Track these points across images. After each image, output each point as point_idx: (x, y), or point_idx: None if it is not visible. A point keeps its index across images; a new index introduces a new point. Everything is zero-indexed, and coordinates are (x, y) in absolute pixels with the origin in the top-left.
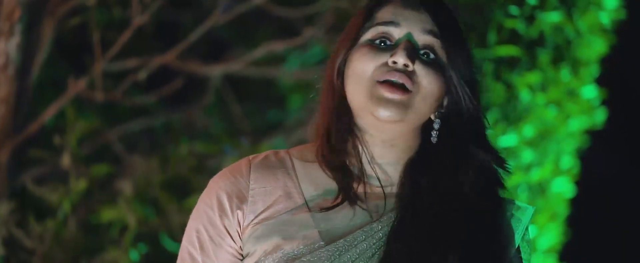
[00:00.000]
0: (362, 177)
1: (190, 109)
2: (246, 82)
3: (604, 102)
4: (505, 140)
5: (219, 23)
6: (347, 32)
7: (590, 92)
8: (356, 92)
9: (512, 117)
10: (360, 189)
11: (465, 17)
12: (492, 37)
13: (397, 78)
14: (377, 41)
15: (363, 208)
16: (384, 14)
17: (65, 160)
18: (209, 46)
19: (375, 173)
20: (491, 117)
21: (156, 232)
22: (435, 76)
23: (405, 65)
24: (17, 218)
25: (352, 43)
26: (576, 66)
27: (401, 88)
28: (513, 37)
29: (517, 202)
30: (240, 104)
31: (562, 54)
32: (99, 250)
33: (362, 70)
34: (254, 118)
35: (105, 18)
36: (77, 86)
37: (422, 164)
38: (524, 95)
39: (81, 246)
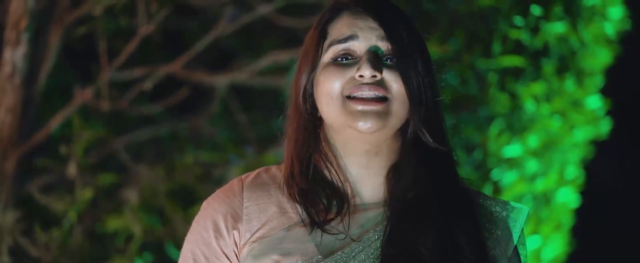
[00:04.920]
0: (348, 192)
1: (196, 118)
2: (252, 92)
3: (609, 113)
4: (510, 150)
5: (224, 33)
6: (306, 53)
7: (594, 102)
8: (331, 112)
9: (517, 127)
10: (348, 204)
11: (470, 27)
12: (496, 47)
13: (367, 92)
14: (340, 58)
15: (352, 225)
16: (339, 29)
17: (72, 169)
18: (214, 56)
19: (361, 188)
20: (496, 127)
21: (162, 241)
22: (402, 78)
23: (373, 76)
24: (23, 227)
25: (314, 64)
26: (581, 76)
27: (378, 100)
28: (518, 48)
29: (511, 203)
30: (245, 113)
31: (567, 64)
32: (105, 259)
33: (331, 88)
34: (260, 127)
35: (111, 27)
36: (83, 95)
37: (405, 168)
38: (529, 105)
39: (87, 255)
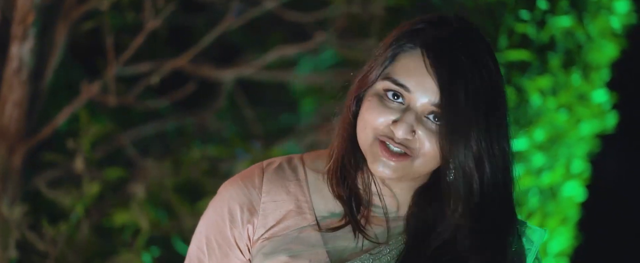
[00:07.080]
0: (369, 202)
1: (202, 113)
2: (258, 86)
3: (615, 106)
4: (516, 144)
5: (231, 27)
6: (371, 66)
7: (601, 96)
8: (361, 138)
9: (523, 121)
10: (366, 213)
11: (476, 21)
12: (503, 41)
13: (395, 146)
14: (390, 94)
15: (367, 235)
16: (403, 69)
17: (79, 164)
18: (221, 50)
19: (383, 201)
20: None
21: (169, 235)
22: (438, 140)
23: (405, 139)
24: (30, 221)
25: (368, 82)
26: (587, 70)
27: (400, 154)
28: (524, 42)
29: (529, 224)
30: (252, 108)
31: (573, 58)
32: (112, 254)
33: (369, 120)
34: (266, 122)
35: (118, 22)
36: (90, 90)
37: (431, 192)
38: (535, 99)
39: (94, 249)
